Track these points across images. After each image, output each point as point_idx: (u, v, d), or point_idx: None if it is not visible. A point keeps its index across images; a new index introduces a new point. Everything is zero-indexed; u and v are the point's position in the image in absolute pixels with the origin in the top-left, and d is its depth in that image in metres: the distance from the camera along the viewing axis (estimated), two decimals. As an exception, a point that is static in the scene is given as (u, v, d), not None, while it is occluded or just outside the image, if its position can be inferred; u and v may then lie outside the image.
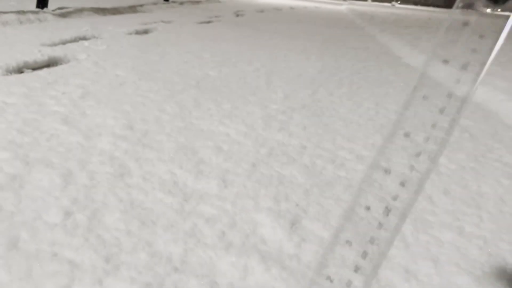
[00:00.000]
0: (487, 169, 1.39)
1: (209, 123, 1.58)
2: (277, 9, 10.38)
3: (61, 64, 2.32)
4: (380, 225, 0.45)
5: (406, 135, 0.43)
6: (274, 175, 1.23)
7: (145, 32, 3.90)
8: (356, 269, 0.50)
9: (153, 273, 0.78)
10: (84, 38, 3.15)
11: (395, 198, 0.44)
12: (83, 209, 0.95)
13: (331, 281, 0.68)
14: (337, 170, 1.31)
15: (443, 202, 1.16)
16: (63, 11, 4.38)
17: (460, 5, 0.36)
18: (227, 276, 0.80)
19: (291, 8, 11.94)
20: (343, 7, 16.33)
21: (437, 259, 0.91)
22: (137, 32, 3.79)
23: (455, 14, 0.37)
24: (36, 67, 2.20)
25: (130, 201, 1.01)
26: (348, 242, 0.54)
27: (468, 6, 0.38)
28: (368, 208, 0.49)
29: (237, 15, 7.21)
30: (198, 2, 9.52)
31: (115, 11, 5.45)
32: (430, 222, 1.05)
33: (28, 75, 1.99)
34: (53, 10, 4.32)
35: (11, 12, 3.65)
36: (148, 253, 0.83)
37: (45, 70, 2.13)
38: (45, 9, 4.32)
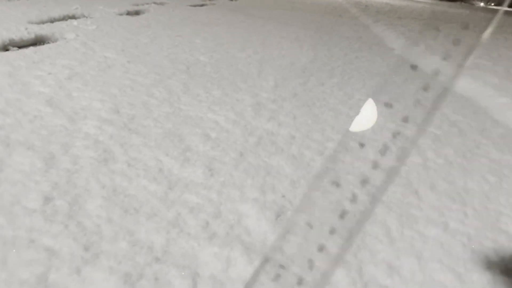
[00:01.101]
0: (474, 165, 1.39)
1: (198, 110, 1.56)
2: (272, -5, 10.25)
3: (48, 43, 2.26)
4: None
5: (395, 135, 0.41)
6: (262, 165, 1.22)
7: (137, 13, 3.83)
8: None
9: (133, 263, 0.76)
10: (73, 17, 3.08)
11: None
12: (64, 195, 0.93)
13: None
14: (325, 162, 1.30)
15: (429, 197, 1.16)
16: (52, -12, 4.27)
17: None
18: (210, 267, 0.79)
19: (286, -6, 11.80)
20: (339, -4, 16.19)
21: (421, 255, 0.91)
22: (128, 13, 3.71)
23: (449, 7, 0.35)
24: (22, 45, 2.14)
25: (113, 188, 0.99)
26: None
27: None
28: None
29: (232, 0, 7.11)
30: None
31: (107, -10, 5.32)
32: (415, 217, 1.05)
33: (13, 53, 1.94)
34: (42, -13, 4.21)
35: (-2, -13, 3.54)
36: (129, 242, 0.82)
37: (31, 48, 2.08)
38: (33, -14, 4.20)
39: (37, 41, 2.26)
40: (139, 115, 1.43)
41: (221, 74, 2.08)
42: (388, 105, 0.42)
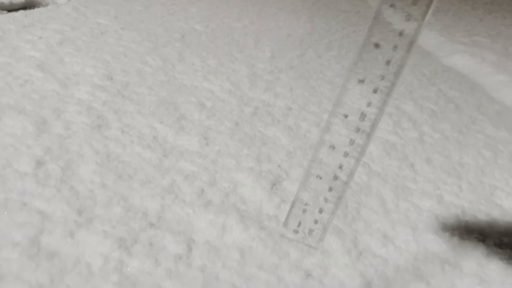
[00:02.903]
0: (470, 140, 1.39)
1: (193, 79, 1.53)
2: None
3: (38, 7, 2.19)
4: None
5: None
6: (258, 135, 1.20)
7: (130, -20, 3.71)
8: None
9: (127, 228, 0.75)
10: (64, -18, 2.97)
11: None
12: (56, 159, 0.91)
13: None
14: (322, 133, 1.28)
15: (425, 170, 1.15)
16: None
17: None
18: (205, 233, 0.78)
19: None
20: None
21: (416, 226, 0.91)
22: (122, -20, 3.60)
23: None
24: (12, 8, 2.07)
25: (106, 154, 0.97)
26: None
27: None
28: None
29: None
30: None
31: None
32: (411, 189, 1.05)
33: (2, 17, 1.87)
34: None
35: None
36: (123, 207, 0.81)
37: (22, 12, 2.01)
38: None
39: (27, 5, 2.18)
40: (133, 82, 1.40)
41: (216, 44, 2.04)
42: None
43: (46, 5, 2.24)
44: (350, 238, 0.84)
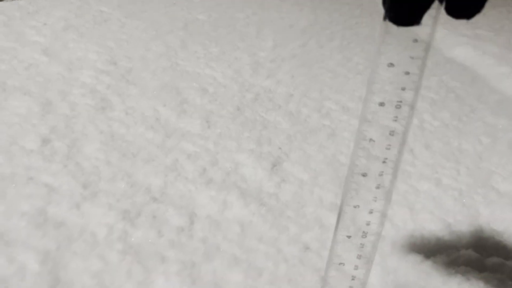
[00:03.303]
0: (469, 127, 1.40)
1: (196, 65, 1.54)
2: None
3: (42, -4, 2.20)
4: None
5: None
6: (259, 120, 1.22)
7: (133, -29, 3.72)
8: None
9: (131, 201, 0.78)
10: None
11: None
12: (62, 138, 0.93)
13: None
14: (322, 119, 1.30)
15: (424, 155, 1.17)
16: None
17: None
18: (206, 208, 0.80)
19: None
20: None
21: (413, 207, 0.93)
22: (125, -29, 3.61)
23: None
24: (16, -3, 2.09)
25: (111, 134, 0.99)
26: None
27: None
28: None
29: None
30: None
31: None
32: (409, 172, 1.07)
33: (7, 4, 1.89)
34: None
35: None
36: (127, 182, 0.83)
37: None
38: None
39: (31, -6, 2.20)
40: (136, 67, 1.42)
41: (219, 33, 2.05)
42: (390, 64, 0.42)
43: (50, -7, 2.25)
44: (349, 216, 0.86)
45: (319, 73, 1.73)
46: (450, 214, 0.92)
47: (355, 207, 0.48)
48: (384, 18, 0.35)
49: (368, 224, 0.48)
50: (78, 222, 0.70)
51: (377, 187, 0.45)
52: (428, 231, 0.86)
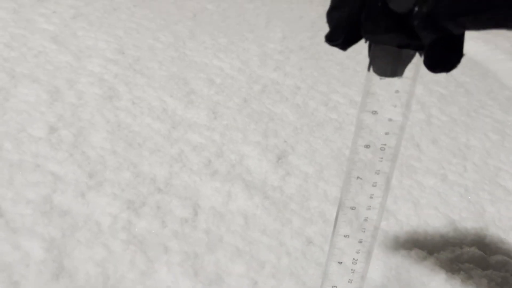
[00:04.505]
0: (478, 123, 1.39)
1: (203, 56, 1.54)
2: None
3: (52, -17, 2.20)
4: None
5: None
6: (265, 112, 1.22)
7: (143, -41, 3.70)
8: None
9: (136, 191, 0.78)
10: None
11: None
12: (69, 126, 0.93)
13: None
14: (329, 112, 1.30)
15: (431, 150, 1.16)
16: None
17: None
18: (211, 200, 0.81)
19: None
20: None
21: (418, 202, 0.93)
22: (135, -41, 3.59)
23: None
24: (26, -16, 2.09)
25: (117, 123, 0.99)
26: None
27: None
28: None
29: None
30: None
31: None
32: (415, 168, 1.06)
33: (17, -9, 1.89)
34: None
35: None
36: (132, 172, 0.83)
37: (36, -13, 2.03)
38: None
39: (42, -19, 2.20)
40: (144, 57, 1.42)
41: (228, 23, 2.04)
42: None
43: (60, -19, 2.25)
44: (352, 211, 0.86)
45: (327, 65, 1.72)
46: (455, 211, 0.92)
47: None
48: (368, 69, 0.38)
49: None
50: (83, 211, 0.71)
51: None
52: (432, 227, 0.86)
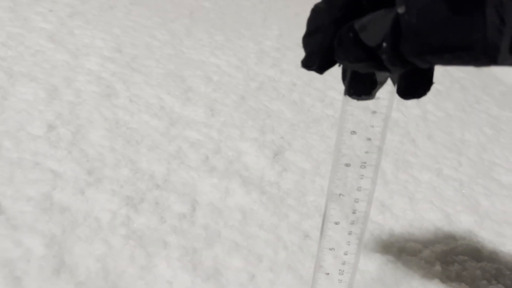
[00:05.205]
0: (473, 119, 1.40)
1: (200, 53, 1.55)
2: None
3: (48, -18, 2.20)
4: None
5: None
6: (262, 109, 1.23)
7: (139, -43, 3.69)
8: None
9: (134, 188, 0.79)
10: (74, -42, 2.97)
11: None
12: (67, 124, 0.94)
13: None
14: (325, 108, 1.31)
15: (426, 146, 1.18)
16: None
17: None
18: (208, 196, 0.82)
19: None
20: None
21: (413, 196, 0.94)
22: (131, -43, 3.58)
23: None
24: (22, -18, 2.09)
25: (115, 121, 1.00)
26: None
27: None
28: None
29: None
30: None
31: None
32: (411, 163, 1.08)
33: (13, -10, 1.89)
34: None
35: None
36: (131, 169, 0.84)
37: (32, -14, 2.03)
38: None
39: (38, -20, 2.20)
40: (141, 55, 1.43)
41: (224, 21, 2.05)
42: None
43: (56, -21, 2.25)
44: (348, 205, 0.87)
45: (324, 62, 1.72)
46: (450, 204, 0.93)
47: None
48: (345, 94, 0.41)
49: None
50: (83, 208, 0.71)
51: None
52: (427, 220, 0.87)
